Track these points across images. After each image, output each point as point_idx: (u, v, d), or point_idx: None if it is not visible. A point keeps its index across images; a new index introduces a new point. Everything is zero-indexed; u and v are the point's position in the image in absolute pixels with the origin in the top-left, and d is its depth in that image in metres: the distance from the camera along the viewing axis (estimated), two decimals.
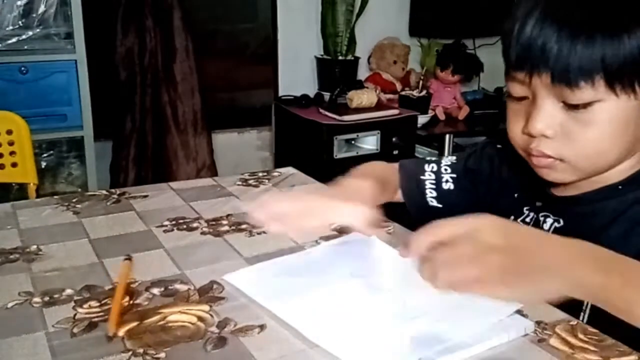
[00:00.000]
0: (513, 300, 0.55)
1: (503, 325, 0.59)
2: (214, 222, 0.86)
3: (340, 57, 2.43)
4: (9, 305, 0.64)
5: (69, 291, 0.67)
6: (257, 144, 2.57)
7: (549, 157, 0.65)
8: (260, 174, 1.09)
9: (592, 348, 0.57)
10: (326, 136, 2.16)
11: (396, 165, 0.88)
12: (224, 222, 0.87)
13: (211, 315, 0.62)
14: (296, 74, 2.48)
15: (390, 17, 2.57)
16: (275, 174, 1.10)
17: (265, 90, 2.55)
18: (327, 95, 2.35)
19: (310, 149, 2.24)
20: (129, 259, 0.72)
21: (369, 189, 0.74)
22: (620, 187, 0.67)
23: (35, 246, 0.78)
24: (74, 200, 0.95)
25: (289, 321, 0.60)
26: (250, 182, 1.05)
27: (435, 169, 0.85)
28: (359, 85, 2.39)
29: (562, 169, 0.65)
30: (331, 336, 0.58)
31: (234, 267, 0.72)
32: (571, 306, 0.64)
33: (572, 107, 0.61)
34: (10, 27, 1.80)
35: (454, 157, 0.86)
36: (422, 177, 0.85)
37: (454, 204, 0.83)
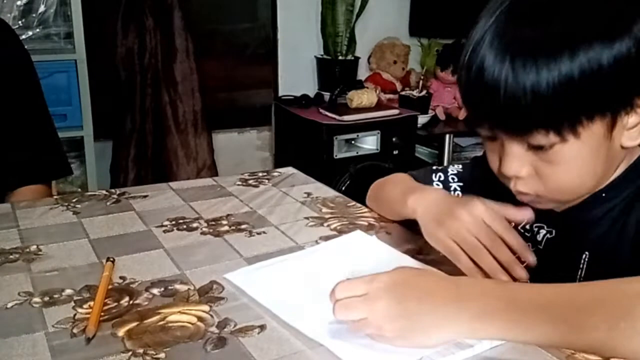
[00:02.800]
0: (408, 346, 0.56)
1: None
2: (214, 222, 0.86)
3: (340, 57, 2.44)
4: (9, 305, 0.64)
5: (68, 291, 0.67)
6: (257, 144, 2.57)
7: (528, 194, 0.66)
8: (260, 174, 1.09)
9: None
10: (326, 136, 2.16)
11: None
12: (224, 222, 0.87)
13: (211, 316, 0.62)
14: (296, 74, 2.49)
15: (390, 17, 2.57)
16: (275, 174, 1.09)
17: (265, 90, 2.55)
18: (327, 95, 2.35)
19: (310, 149, 2.24)
20: (112, 261, 0.72)
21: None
22: (604, 194, 0.67)
23: (35, 246, 0.78)
24: (73, 200, 0.95)
25: (288, 321, 0.60)
26: (250, 182, 1.05)
27: (442, 178, 0.85)
28: (359, 85, 2.39)
29: (544, 202, 0.67)
30: (332, 336, 0.58)
31: (234, 267, 0.72)
32: None
33: (536, 148, 0.62)
34: None
35: (460, 166, 0.86)
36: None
37: None
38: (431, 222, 0.69)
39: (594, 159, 0.62)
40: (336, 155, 2.18)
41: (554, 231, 0.72)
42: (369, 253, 0.77)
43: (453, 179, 0.85)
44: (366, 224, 0.86)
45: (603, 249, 0.66)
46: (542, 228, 0.73)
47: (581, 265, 0.68)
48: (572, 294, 0.54)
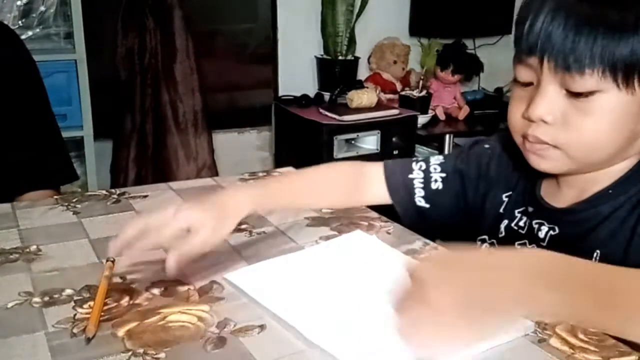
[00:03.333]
0: (481, 338, 0.52)
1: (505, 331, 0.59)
2: None
3: (340, 57, 2.43)
4: (9, 305, 0.64)
5: (68, 291, 0.67)
6: (257, 144, 2.57)
7: (544, 143, 0.65)
8: (260, 174, 1.09)
9: (592, 348, 0.57)
10: (326, 136, 2.16)
11: (368, 167, 0.86)
12: None
13: (211, 316, 0.62)
14: (296, 73, 2.48)
15: (390, 16, 2.57)
16: (275, 174, 1.09)
17: (265, 90, 2.54)
18: (327, 95, 2.35)
19: (310, 149, 2.24)
20: (112, 261, 0.72)
21: (244, 202, 0.71)
22: (610, 191, 0.67)
23: (35, 246, 0.78)
24: (73, 200, 0.95)
25: (289, 321, 0.60)
26: (250, 182, 1.05)
27: (424, 167, 0.83)
28: (359, 85, 2.39)
29: (555, 157, 0.66)
30: (331, 336, 0.58)
31: (233, 267, 0.72)
32: None
33: (574, 95, 0.62)
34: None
35: (442, 157, 0.85)
36: (410, 176, 0.83)
37: (442, 204, 0.82)
38: None
39: (624, 119, 0.63)
40: (336, 156, 2.18)
41: (557, 228, 0.71)
42: (369, 253, 0.77)
43: (435, 169, 0.83)
44: (366, 224, 0.86)
45: (614, 248, 0.66)
46: (543, 225, 0.72)
47: None
48: (610, 274, 0.51)
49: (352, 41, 2.43)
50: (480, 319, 0.50)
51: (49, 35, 1.95)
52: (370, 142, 2.24)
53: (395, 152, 2.25)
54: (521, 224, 0.75)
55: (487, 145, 0.82)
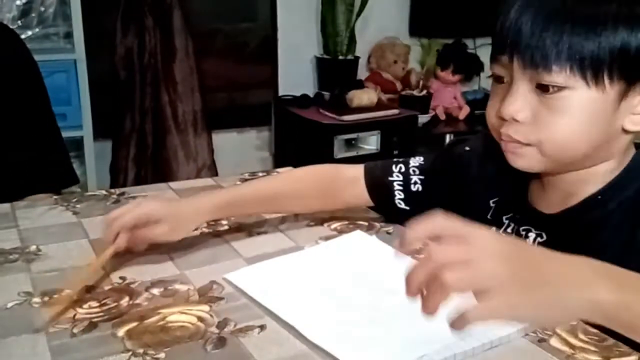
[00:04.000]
0: (535, 321, 0.49)
1: (504, 325, 0.59)
2: (213, 222, 0.86)
3: (340, 57, 2.43)
4: (9, 305, 0.64)
5: (68, 291, 0.66)
6: (256, 144, 2.57)
7: (517, 142, 0.65)
8: (260, 174, 1.08)
9: (592, 348, 0.57)
10: (326, 136, 2.16)
11: (345, 169, 0.86)
12: (224, 222, 0.86)
13: (211, 316, 0.62)
14: (296, 73, 2.48)
15: (390, 16, 2.57)
16: (275, 174, 1.09)
17: (265, 90, 2.54)
18: (327, 95, 2.35)
19: (310, 148, 2.24)
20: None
21: (201, 212, 0.77)
22: (599, 197, 0.66)
23: (34, 246, 0.78)
24: (73, 200, 0.95)
25: (289, 321, 0.60)
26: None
27: (403, 170, 0.82)
28: (359, 84, 2.39)
29: (529, 155, 0.65)
30: (331, 336, 0.58)
31: (233, 267, 0.72)
32: None
33: (544, 90, 0.62)
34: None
35: (422, 158, 0.83)
36: (389, 179, 0.82)
37: (424, 207, 0.80)
38: None
39: (595, 118, 0.62)
40: (336, 155, 2.18)
41: (544, 234, 0.69)
42: (369, 253, 0.77)
43: (414, 171, 0.82)
44: (366, 224, 0.86)
45: (608, 259, 0.65)
46: (530, 231, 0.70)
47: None
48: None
49: (352, 41, 2.42)
50: (540, 299, 0.46)
51: (48, 35, 1.95)
52: (370, 142, 2.24)
53: (396, 152, 2.25)
54: (509, 230, 0.73)
55: (467, 147, 0.81)
